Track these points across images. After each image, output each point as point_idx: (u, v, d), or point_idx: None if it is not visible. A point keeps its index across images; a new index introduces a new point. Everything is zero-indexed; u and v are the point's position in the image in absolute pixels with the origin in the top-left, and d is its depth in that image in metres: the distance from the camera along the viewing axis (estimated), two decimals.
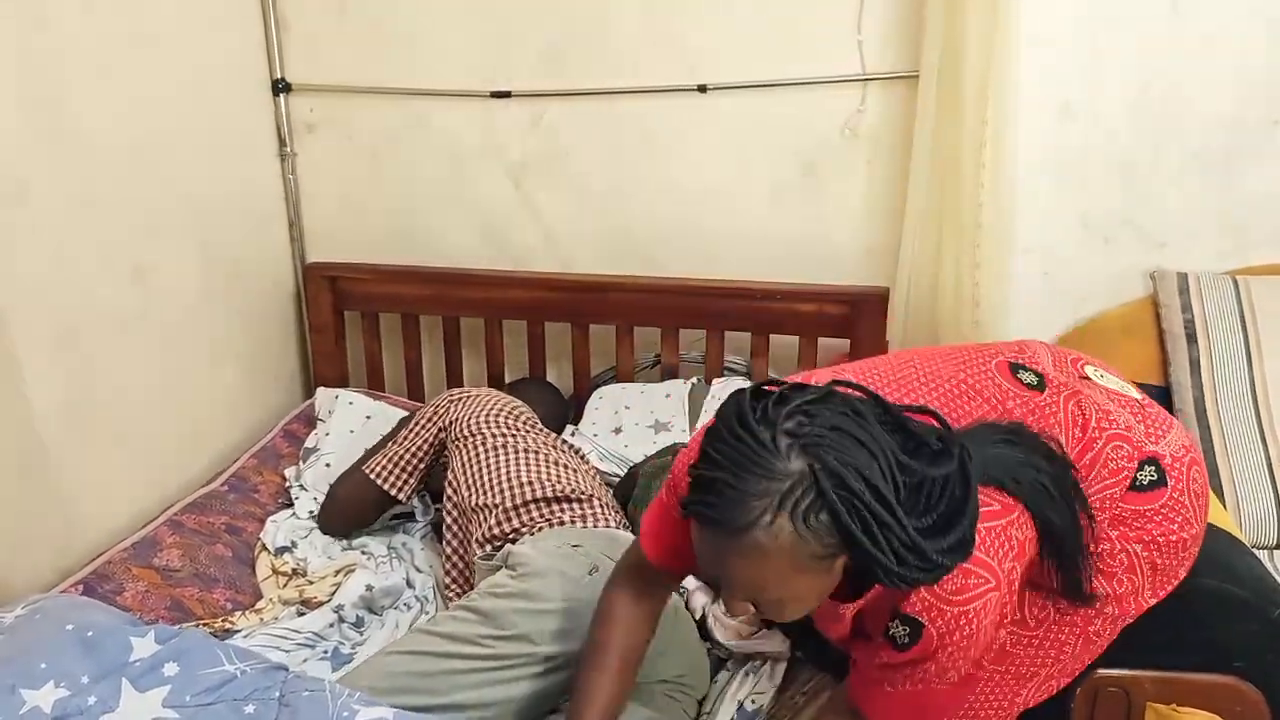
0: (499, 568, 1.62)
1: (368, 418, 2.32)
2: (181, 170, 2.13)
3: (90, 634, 1.31)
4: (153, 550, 1.87)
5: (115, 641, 1.31)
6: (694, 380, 2.36)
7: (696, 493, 1.09)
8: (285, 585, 1.91)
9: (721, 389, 2.29)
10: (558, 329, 2.49)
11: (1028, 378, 1.35)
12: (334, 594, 1.82)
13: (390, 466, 1.97)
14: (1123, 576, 1.34)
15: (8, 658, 1.27)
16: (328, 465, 2.17)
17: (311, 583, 1.88)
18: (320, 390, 2.46)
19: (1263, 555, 1.86)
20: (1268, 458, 1.97)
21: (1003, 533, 1.19)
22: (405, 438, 1.99)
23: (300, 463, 2.24)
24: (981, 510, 1.12)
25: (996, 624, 1.22)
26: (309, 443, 2.29)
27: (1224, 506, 1.92)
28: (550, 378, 2.53)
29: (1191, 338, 2.10)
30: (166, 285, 2.10)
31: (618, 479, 2.10)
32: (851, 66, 2.23)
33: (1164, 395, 2.13)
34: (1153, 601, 1.40)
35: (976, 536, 1.10)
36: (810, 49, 2.25)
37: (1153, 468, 1.32)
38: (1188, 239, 2.24)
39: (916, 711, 1.30)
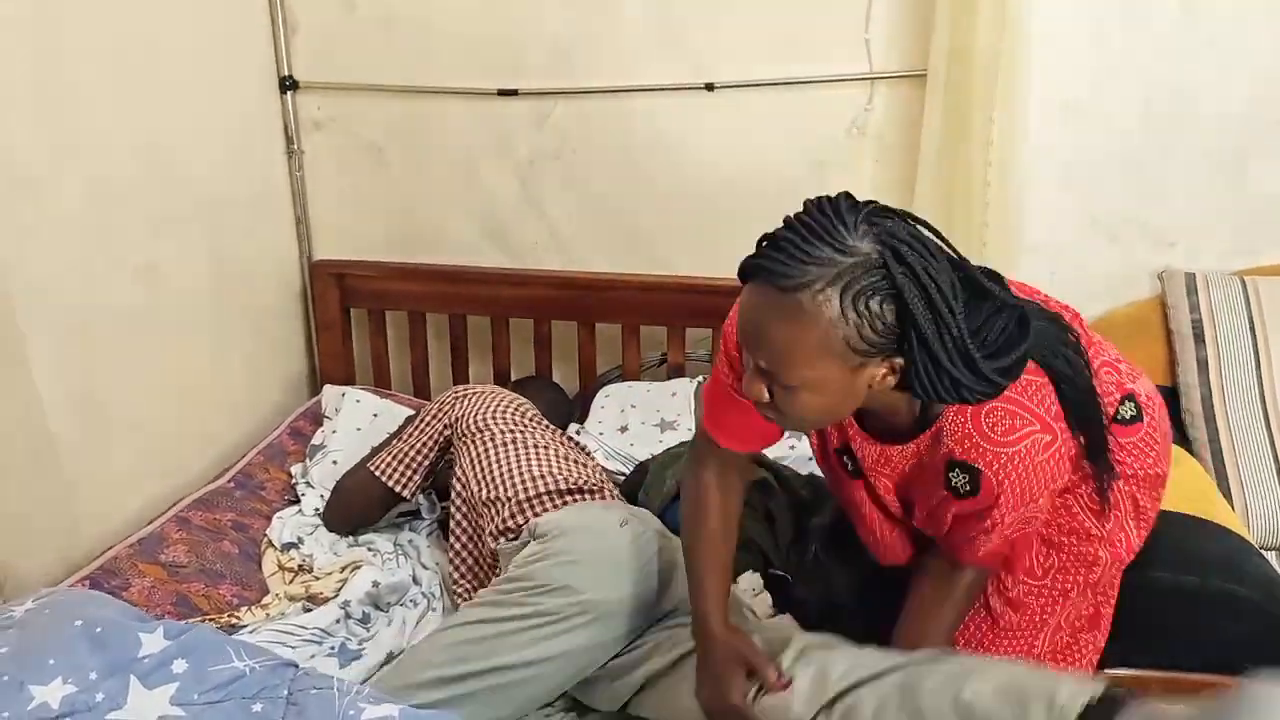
0: (526, 543, 1.63)
1: (374, 415, 2.32)
2: (189, 167, 2.13)
3: (99, 630, 1.31)
4: (159, 546, 1.87)
5: (124, 637, 1.30)
6: (700, 379, 2.36)
7: (761, 248, 1.12)
8: (291, 581, 1.91)
9: None
10: (564, 327, 2.49)
11: (1042, 298, 1.40)
12: (340, 590, 1.82)
13: (395, 464, 1.97)
14: (1110, 514, 1.40)
15: (16, 653, 1.26)
16: (334, 463, 2.17)
17: (318, 579, 1.88)
18: (327, 388, 2.46)
19: (1271, 556, 1.86)
20: (1276, 459, 1.97)
21: (1043, 388, 1.23)
22: (411, 435, 1.99)
23: (307, 460, 2.24)
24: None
25: (1053, 471, 1.23)
26: (316, 440, 2.29)
27: (1232, 508, 1.91)
28: (556, 376, 2.53)
29: (1199, 338, 2.10)
30: (174, 282, 2.10)
31: (624, 477, 2.10)
32: (859, 65, 2.22)
33: (1171, 395, 2.13)
34: (1138, 543, 1.46)
35: (1022, 375, 1.15)
36: (818, 48, 2.25)
37: (1132, 404, 1.40)
38: (1196, 239, 2.24)
39: (1003, 546, 1.33)
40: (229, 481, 2.12)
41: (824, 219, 1.09)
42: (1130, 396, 1.40)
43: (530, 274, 2.48)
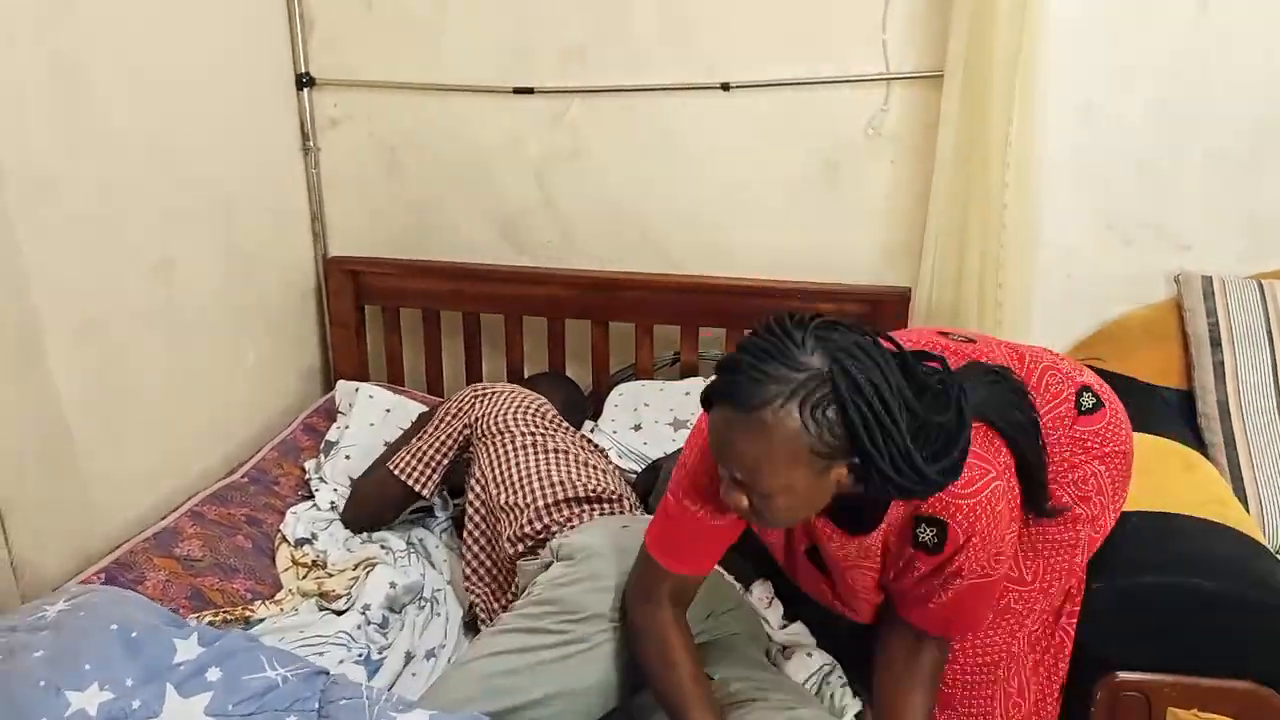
0: (548, 564, 1.61)
1: (387, 411, 2.32)
2: (205, 164, 2.14)
3: (134, 634, 1.29)
4: (174, 540, 1.88)
5: (159, 643, 1.29)
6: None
7: (720, 374, 1.18)
8: (305, 576, 1.92)
9: None
10: (577, 326, 2.49)
11: (959, 337, 1.54)
12: (352, 587, 1.83)
13: (415, 462, 1.97)
14: (1095, 498, 1.50)
15: (52, 657, 1.25)
16: (348, 458, 2.18)
17: (331, 575, 1.89)
18: (340, 383, 2.47)
19: None
20: None
21: (995, 438, 1.35)
22: (430, 433, 1.99)
23: (321, 456, 2.25)
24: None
25: (1010, 515, 1.32)
26: (330, 435, 2.30)
27: (1247, 511, 1.90)
28: (569, 375, 2.53)
29: (1216, 342, 2.09)
30: (190, 278, 2.11)
31: (635, 475, 2.10)
32: (875, 66, 2.22)
33: (1187, 399, 2.12)
34: (1114, 518, 1.55)
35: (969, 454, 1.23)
36: (834, 48, 2.24)
37: (1089, 394, 1.52)
38: (1212, 241, 2.22)
39: (964, 610, 1.39)
40: (243, 476, 2.13)
41: (774, 339, 1.15)
42: (1086, 388, 1.52)
43: (544, 272, 2.49)
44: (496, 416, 1.92)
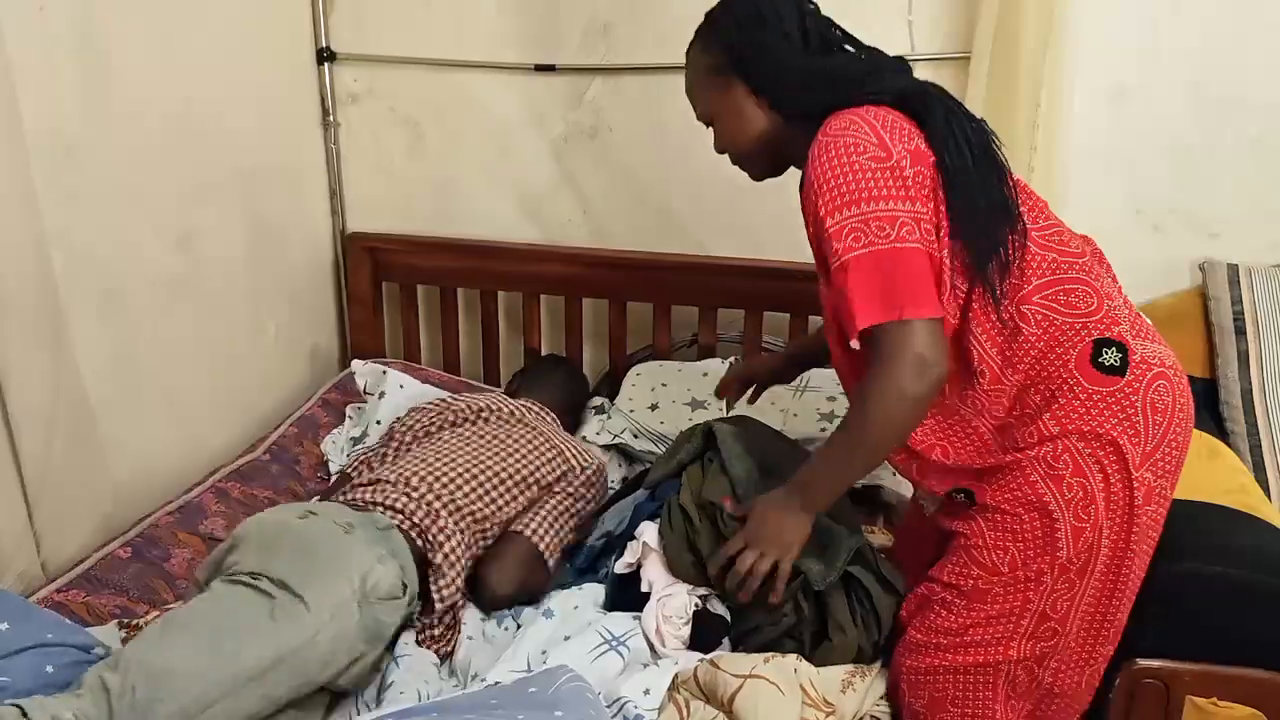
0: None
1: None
2: (227, 138, 2.14)
3: None
4: (198, 517, 1.89)
5: None
6: (733, 359, 2.35)
7: None
8: None
9: None
10: (595, 306, 2.49)
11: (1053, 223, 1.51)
12: None
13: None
14: (1071, 480, 1.38)
15: None
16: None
17: None
18: (360, 364, 2.47)
19: None
20: None
21: (900, 120, 1.39)
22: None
23: (344, 449, 2.23)
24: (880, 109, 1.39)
25: (855, 141, 1.35)
26: (353, 430, 2.28)
27: (1270, 500, 1.89)
28: (586, 354, 2.53)
29: (1240, 331, 2.07)
30: (211, 252, 2.11)
31: (654, 456, 2.09)
32: (901, 46, 2.19)
33: (1210, 388, 2.11)
34: (1120, 518, 1.40)
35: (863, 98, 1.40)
36: (859, 29, 2.20)
37: (1119, 353, 1.38)
38: (1241, 229, 2.20)
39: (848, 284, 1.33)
40: (265, 454, 2.13)
41: None
42: (1121, 347, 1.39)
43: (562, 251, 2.48)
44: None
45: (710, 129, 1.59)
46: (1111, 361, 1.38)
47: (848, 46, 1.54)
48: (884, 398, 1.32)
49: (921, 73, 2.16)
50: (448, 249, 2.53)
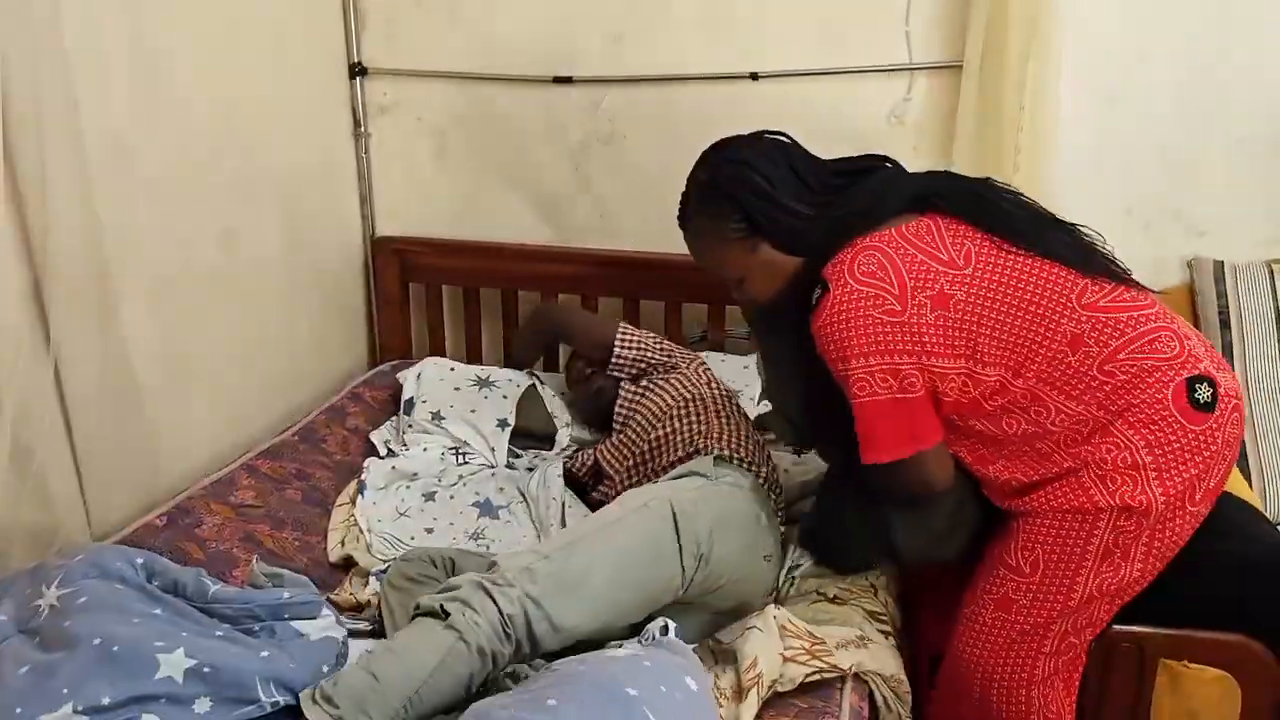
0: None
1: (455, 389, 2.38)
2: (267, 144, 2.30)
3: (115, 649, 1.30)
4: (230, 489, 2.03)
5: (140, 659, 1.30)
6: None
7: None
8: (344, 541, 2.00)
9: None
10: (610, 303, 2.61)
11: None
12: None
13: (637, 337, 2.19)
14: (1123, 475, 1.45)
15: (31, 679, 1.28)
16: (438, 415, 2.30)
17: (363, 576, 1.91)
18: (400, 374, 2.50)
19: None
20: None
21: (927, 249, 1.52)
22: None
23: (399, 417, 2.34)
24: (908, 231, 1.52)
25: (870, 320, 1.48)
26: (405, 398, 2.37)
27: (1250, 487, 1.97)
28: None
29: (1225, 324, 2.15)
30: (250, 249, 2.26)
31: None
32: (899, 56, 2.31)
33: None
34: (1159, 553, 1.48)
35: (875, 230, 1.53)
36: (859, 39, 2.34)
37: (1208, 387, 1.46)
38: (1230, 227, 2.27)
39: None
40: (294, 435, 2.27)
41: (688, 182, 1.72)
42: (1209, 380, 1.45)
43: (578, 252, 2.61)
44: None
45: (739, 286, 1.69)
46: (1205, 397, 1.45)
47: (840, 173, 1.66)
48: (907, 503, 1.60)
49: (919, 81, 2.32)
50: (471, 251, 2.66)
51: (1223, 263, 2.21)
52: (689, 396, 1.99)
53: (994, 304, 1.47)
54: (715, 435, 1.87)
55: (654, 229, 2.57)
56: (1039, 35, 2.07)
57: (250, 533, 1.93)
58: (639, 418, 2.04)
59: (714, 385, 2.05)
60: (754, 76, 2.39)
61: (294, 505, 2.07)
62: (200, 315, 2.12)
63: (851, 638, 1.63)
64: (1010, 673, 1.58)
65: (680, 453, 1.88)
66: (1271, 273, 2.18)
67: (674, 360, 2.14)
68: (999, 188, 1.60)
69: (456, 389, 2.35)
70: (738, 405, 2.03)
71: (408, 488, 2.14)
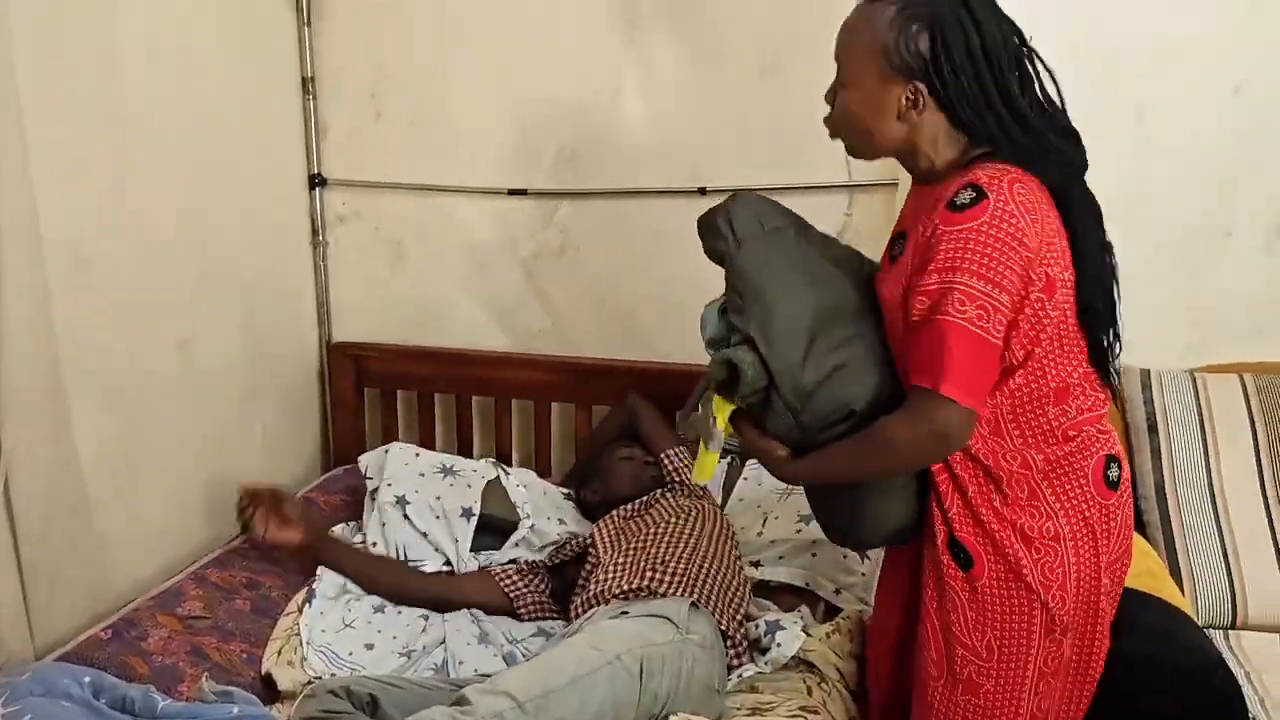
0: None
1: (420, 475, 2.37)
2: (226, 253, 2.34)
3: None
4: (178, 600, 2.01)
5: None
6: (730, 459, 2.51)
7: None
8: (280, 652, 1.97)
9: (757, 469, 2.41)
10: (563, 409, 2.66)
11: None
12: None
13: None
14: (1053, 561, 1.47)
15: None
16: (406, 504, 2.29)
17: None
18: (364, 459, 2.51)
19: (1216, 635, 1.97)
20: (1222, 544, 2.10)
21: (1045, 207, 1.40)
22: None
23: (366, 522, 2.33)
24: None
25: (1007, 238, 1.34)
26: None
27: (1181, 588, 2.03)
28: (554, 456, 2.68)
29: (1153, 428, 2.25)
30: (207, 357, 2.29)
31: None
32: (840, 175, 2.43)
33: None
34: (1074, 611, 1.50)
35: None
36: (803, 158, 2.45)
37: (1118, 469, 1.49)
38: (1153, 336, 2.35)
39: (935, 343, 1.38)
40: (244, 542, 2.26)
41: None
42: (1118, 461, 1.49)
43: (532, 358, 2.66)
44: None
45: (835, 90, 1.49)
46: (1114, 477, 1.49)
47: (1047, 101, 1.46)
48: (906, 446, 1.44)
49: (858, 197, 2.43)
50: (426, 357, 2.71)
51: (1149, 371, 2.31)
52: (697, 533, 2.07)
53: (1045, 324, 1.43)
54: (694, 580, 1.93)
55: (606, 336, 2.66)
56: None
57: (197, 645, 1.91)
58: (652, 515, 2.15)
59: (723, 532, 2.15)
60: (702, 191, 2.49)
61: (242, 616, 2.05)
62: (155, 423, 2.13)
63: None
64: None
65: (664, 584, 1.92)
66: (1194, 381, 2.28)
67: (699, 492, 2.28)
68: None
69: (421, 475, 2.35)
70: (738, 555, 2.13)
71: (358, 600, 2.13)
